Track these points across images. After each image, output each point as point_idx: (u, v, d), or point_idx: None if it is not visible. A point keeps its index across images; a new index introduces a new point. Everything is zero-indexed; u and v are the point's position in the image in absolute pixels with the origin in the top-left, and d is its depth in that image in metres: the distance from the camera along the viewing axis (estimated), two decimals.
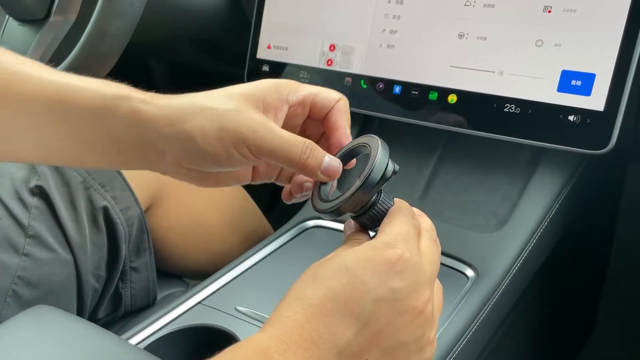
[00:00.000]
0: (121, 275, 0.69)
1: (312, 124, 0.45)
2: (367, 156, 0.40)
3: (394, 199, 0.40)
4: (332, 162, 0.40)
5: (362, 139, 0.42)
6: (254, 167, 0.45)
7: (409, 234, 0.36)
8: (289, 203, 0.47)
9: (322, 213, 0.40)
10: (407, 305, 0.34)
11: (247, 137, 0.38)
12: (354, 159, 0.44)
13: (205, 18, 0.87)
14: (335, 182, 0.44)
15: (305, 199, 0.45)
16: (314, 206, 0.41)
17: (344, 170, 0.42)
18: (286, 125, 0.42)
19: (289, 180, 0.46)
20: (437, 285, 0.39)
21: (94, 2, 0.64)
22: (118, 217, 0.66)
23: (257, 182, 0.46)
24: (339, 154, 0.43)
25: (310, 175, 0.41)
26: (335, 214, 0.39)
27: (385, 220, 0.38)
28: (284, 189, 0.46)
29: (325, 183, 0.42)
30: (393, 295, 0.34)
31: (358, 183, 0.38)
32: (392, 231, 0.36)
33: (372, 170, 0.38)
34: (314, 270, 0.36)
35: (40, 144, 0.41)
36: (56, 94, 0.39)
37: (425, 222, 0.40)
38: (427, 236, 0.39)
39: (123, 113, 0.39)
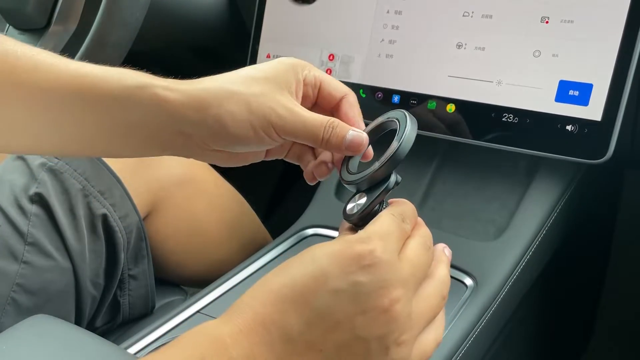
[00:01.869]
0: (119, 283, 0.69)
1: (321, 113, 0.44)
2: (396, 131, 0.40)
3: (400, 199, 0.40)
4: (356, 135, 0.40)
5: (391, 114, 0.42)
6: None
7: (390, 233, 0.35)
8: (312, 184, 0.47)
9: (347, 185, 0.41)
10: (371, 301, 0.33)
11: (275, 120, 0.39)
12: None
13: (204, 27, 0.88)
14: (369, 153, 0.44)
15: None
16: (340, 177, 0.42)
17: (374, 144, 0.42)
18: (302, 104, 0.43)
19: (298, 157, 0.47)
20: (431, 292, 0.37)
21: (95, 11, 0.64)
22: (117, 225, 0.66)
23: (269, 158, 0.47)
24: (366, 130, 0.43)
25: (336, 151, 0.41)
26: (361, 185, 0.40)
27: (374, 220, 0.38)
28: (306, 172, 0.46)
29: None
30: (354, 289, 0.33)
31: (384, 157, 0.38)
32: (371, 228, 0.36)
33: (400, 144, 0.38)
34: (284, 262, 0.36)
35: (64, 135, 0.41)
36: (78, 84, 0.39)
37: (422, 229, 0.39)
38: (419, 241, 0.37)
39: (147, 101, 0.39)
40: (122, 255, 0.67)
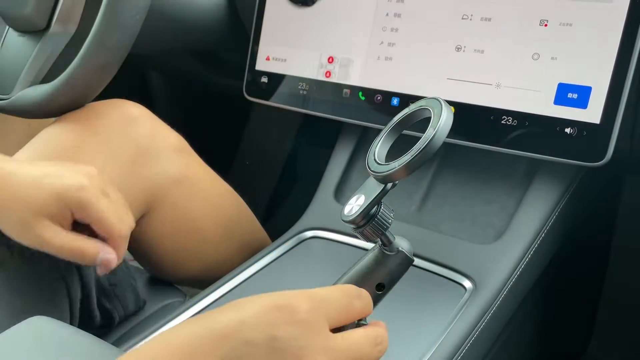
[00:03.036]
0: (103, 291, 0.68)
1: None
2: (428, 120, 0.38)
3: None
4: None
5: (423, 102, 0.40)
6: None
7: (333, 300, 0.34)
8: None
9: (374, 175, 0.39)
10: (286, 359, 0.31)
11: None
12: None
13: (204, 30, 0.88)
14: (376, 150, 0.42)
15: None
16: (368, 167, 0.40)
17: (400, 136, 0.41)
18: None
19: None
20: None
21: (94, 14, 0.64)
22: None
23: None
24: (396, 120, 0.41)
25: None
26: (389, 178, 0.38)
27: (336, 285, 0.37)
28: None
29: (381, 144, 0.41)
30: (270, 344, 0.31)
31: (419, 145, 0.37)
32: (316, 290, 0.34)
33: (435, 131, 0.36)
34: (207, 313, 0.34)
35: None
36: None
37: (381, 330, 0.37)
38: (371, 333, 0.35)
39: None
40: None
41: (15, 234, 0.52)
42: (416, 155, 0.37)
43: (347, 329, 0.35)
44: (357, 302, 0.36)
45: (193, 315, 0.60)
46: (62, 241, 0.50)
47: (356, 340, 0.34)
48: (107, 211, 0.52)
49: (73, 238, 0.51)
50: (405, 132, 0.42)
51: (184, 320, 0.35)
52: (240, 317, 0.32)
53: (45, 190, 0.50)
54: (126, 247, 0.56)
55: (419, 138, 0.38)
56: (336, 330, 0.35)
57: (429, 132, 0.37)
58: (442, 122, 0.37)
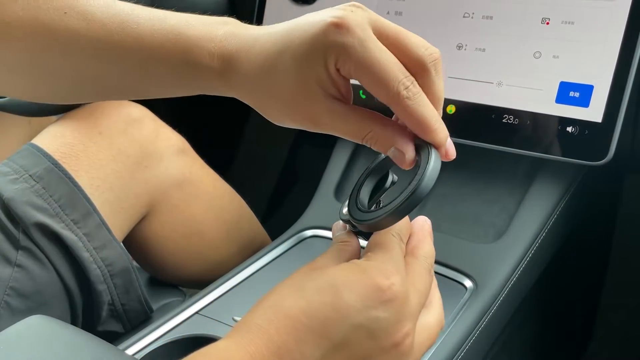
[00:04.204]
0: (111, 309, 0.67)
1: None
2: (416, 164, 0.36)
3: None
4: (397, 155, 0.36)
5: (417, 142, 0.36)
6: None
7: (400, 262, 0.35)
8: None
9: (358, 223, 0.37)
10: (386, 337, 0.33)
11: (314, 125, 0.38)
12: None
13: None
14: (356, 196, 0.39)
15: None
16: (349, 215, 0.38)
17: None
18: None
19: None
20: (431, 322, 0.37)
21: None
22: (92, 256, 0.63)
23: None
24: (375, 163, 0.39)
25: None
26: (373, 227, 0.36)
27: (377, 240, 0.36)
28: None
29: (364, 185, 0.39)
30: (374, 325, 0.33)
31: (403, 196, 0.34)
32: (386, 257, 0.35)
33: (421, 181, 0.34)
34: (298, 280, 0.35)
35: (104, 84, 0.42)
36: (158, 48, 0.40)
37: (426, 247, 0.38)
38: (423, 265, 0.37)
39: (196, 85, 0.40)
40: (102, 287, 0.64)
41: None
42: (403, 202, 0.34)
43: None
44: (403, 245, 0.37)
45: (192, 316, 0.60)
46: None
47: (424, 288, 0.36)
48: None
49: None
50: None
51: (281, 289, 0.35)
52: (346, 301, 0.33)
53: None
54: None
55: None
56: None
57: (417, 179, 0.34)
58: (430, 167, 0.34)
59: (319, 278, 0.34)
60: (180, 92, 0.42)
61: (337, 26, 0.34)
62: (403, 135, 0.36)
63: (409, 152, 0.35)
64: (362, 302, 0.33)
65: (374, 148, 0.37)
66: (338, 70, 0.35)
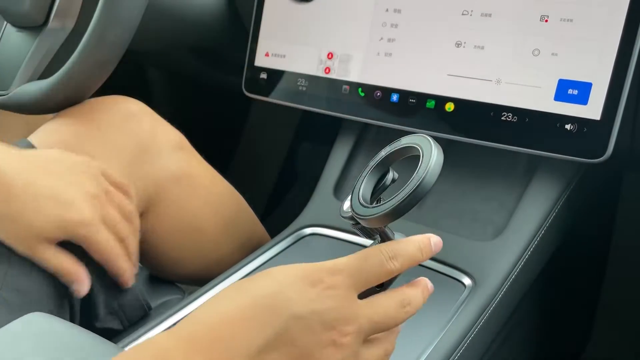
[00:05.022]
0: (108, 307, 0.67)
1: None
2: (417, 158, 0.36)
3: (403, 237, 0.38)
4: None
5: (412, 139, 0.37)
6: None
7: (365, 270, 0.35)
8: None
9: (360, 219, 0.37)
10: (326, 332, 0.34)
11: None
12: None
13: (203, 26, 0.87)
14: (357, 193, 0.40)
15: None
16: (352, 209, 0.38)
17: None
18: None
19: None
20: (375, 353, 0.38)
21: (93, 9, 0.64)
22: None
23: None
24: (381, 156, 0.39)
25: None
26: (374, 223, 0.36)
27: (360, 251, 0.37)
28: None
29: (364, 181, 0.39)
30: (311, 317, 0.34)
31: (406, 190, 0.34)
32: (345, 260, 0.36)
33: (424, 176, 0.34)
34: (242, 282, 0.35)
35: None
36: None
37: (412, 292, 0.39)
38: (397, 299, 0.37)
39: None
40: (97, 287, 0.63)
41: (16, 247, 0.55)
42: (404, 199, 0.34)
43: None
44: (392, 265, 0.37)
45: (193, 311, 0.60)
46: (59, 263, 0.56)
47: (381, 305, 0.37)
48: (105, 248, 0.57)
49: (68, 261, 0.56)
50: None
51: (222, 291, 0.36)
52: (283, 291, 0.34)
53: (49, 221, 0.54)
54: (131, 270, 0.61)
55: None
56: (363, 295, 0.37)
57: (419, 174, 0.34)
58: (433, 163, 0.34)
59: (263, 278, 0.35)
60: None
61: None
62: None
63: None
64: (300, 294, 0.34)
65: None
66: None
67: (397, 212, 0.35)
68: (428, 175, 0.34)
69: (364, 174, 0.40)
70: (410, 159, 0.38)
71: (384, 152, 0.39)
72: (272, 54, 0.79)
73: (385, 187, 0.39)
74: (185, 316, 0.36)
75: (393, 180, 0.39)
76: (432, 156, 0.35)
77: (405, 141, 0.38)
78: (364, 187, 0.38)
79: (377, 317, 0.37)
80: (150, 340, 0.33)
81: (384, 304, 0.37)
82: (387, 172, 0.39)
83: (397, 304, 0.38)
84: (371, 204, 0.38)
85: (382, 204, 0.36)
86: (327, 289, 0.34)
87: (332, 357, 0.34)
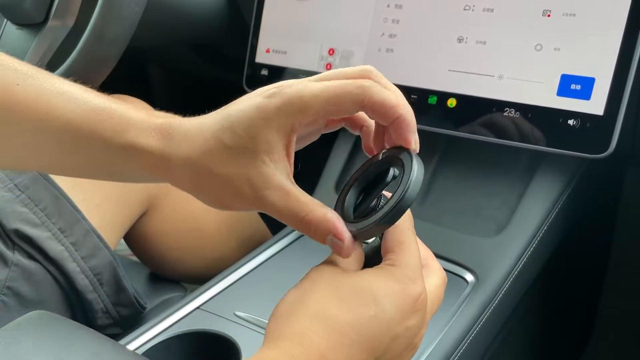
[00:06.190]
0: (105, 315, 0.67)
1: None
2: (401, 171, 0.35)
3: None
4: (335, 243, 0.36)
5: (390, 153, 0.37)
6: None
7: (419, 261, 0.37)
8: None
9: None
10: (412, 341, 0.36)
11: (253, 200, 0.38)
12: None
13: (203, 23, 0.87)
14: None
15: None
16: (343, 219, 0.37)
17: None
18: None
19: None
20: (436, 282, 0.40)
21: (92, 6, 0.64)
22: (79, 266, 0.63)
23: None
24: (357, 174, 0.39)
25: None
26: (357, 238, 0.36)
27: (396, 237, 0.36)
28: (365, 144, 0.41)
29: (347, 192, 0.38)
30: (406, 333, 0.35)
31: (388, 207, 0.34)
32: (409, 262, 0.36)
33: (405, 191, 0.34)
34: (335, 287, 0.34)
35: (52, 162, 0.41)
36: (90, 130, 0.38)
37: (435, 264, 0.41)
38: (441, 281, 0.39)
39: (138, 169, 0.39)
40: (93, 296, 0.64)
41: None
42: (387, 214, 0.34)
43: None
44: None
45: (193, 311, 0.60)
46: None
47: (439, 300, 0.39)
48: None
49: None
50: None
51: (317, 294, 0.34)
52: (387, 314, 0.34)
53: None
54: None
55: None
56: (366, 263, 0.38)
57: (400, 190, 0.34)
58: (414, 177, 0.34)
59: (358, 288, 0.35)
60: (107, 176, 0.41)
61: (274, 94, 0.36)
62: (341, 224, 0.36)
63: (347, 240, 0.36)
64: (400, 315, 0.34)
65: (312, 236, 0.37)
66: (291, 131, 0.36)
67: (383, 226, 0.35)
68: (412, 186, 0.34)
69: (343, 192, 0.39)
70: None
71: (359, 170, 0.39)
72: (273, 50, 0.78)
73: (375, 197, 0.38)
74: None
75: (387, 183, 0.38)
76: (413, 165, 0.35)
77: (382, 157, 0.38)
78: (347, 203, 0.38)
79: (437, 307, 0.39)
80: (263, 357, 0.32)
81: (440, 291, 0.39)
82: (380, 178, 0.39)
83: (444, 284, 0.40)
84: (356, 216, 0.38)
85: (363, 220, 0.36)
86: (418, 302, 0.35)
87: (408, 354, 0.36)
